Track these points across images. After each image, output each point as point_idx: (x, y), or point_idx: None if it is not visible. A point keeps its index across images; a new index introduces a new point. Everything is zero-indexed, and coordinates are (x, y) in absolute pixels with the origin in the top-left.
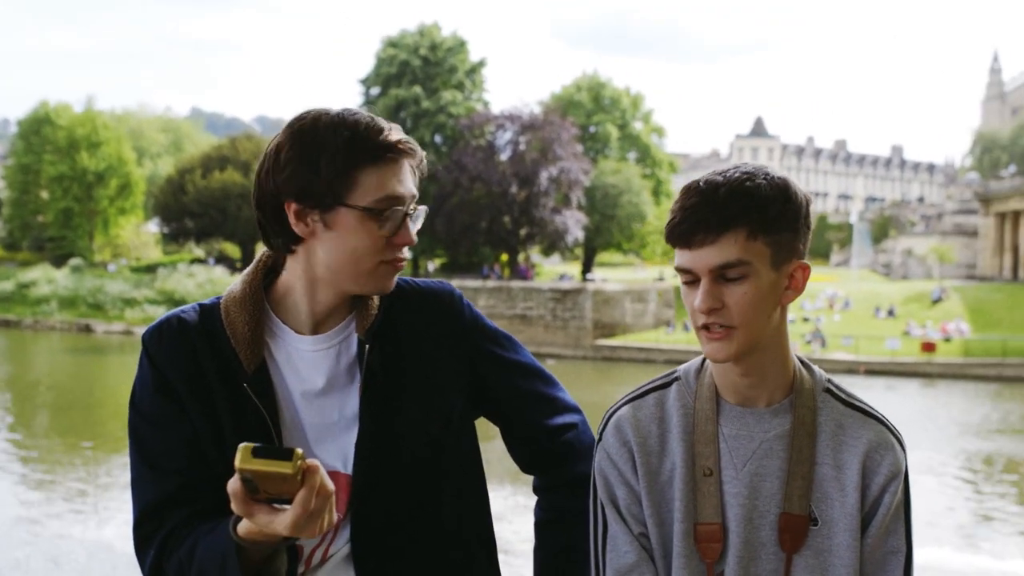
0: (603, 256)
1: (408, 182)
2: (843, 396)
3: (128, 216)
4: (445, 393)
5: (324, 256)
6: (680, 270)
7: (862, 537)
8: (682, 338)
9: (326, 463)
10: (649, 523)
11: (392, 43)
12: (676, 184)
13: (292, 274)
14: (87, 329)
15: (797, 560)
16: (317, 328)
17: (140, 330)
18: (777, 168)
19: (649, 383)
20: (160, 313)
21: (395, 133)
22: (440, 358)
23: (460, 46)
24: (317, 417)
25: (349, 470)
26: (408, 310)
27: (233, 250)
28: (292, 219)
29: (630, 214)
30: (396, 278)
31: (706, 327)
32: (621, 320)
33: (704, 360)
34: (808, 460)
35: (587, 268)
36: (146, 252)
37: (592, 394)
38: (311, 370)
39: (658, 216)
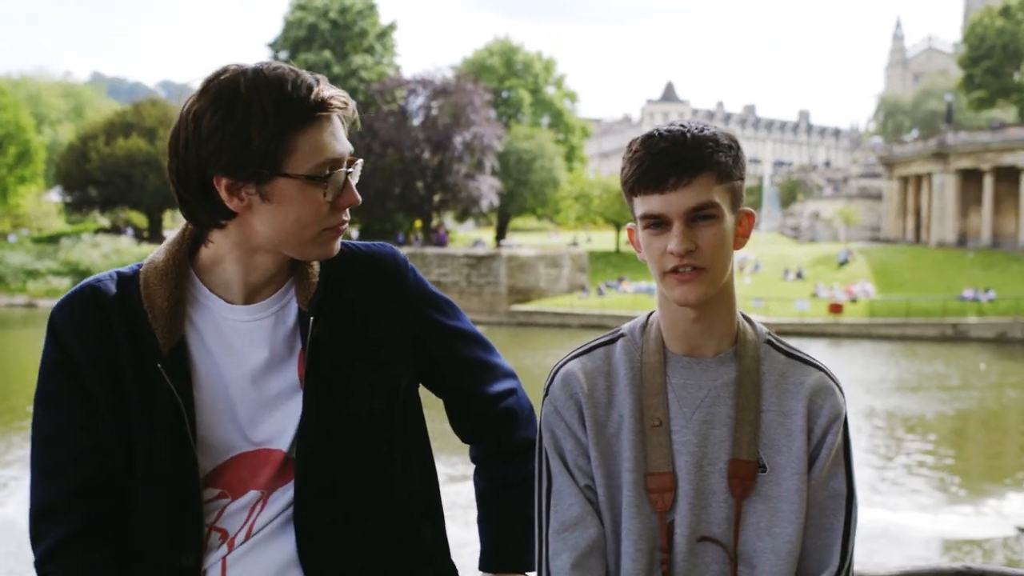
0: (517, 222)
1: (344, 138)
2: (783, 347)
3: (28, 185)
4: (391, 364)
5: (262, 228)
6: (648, 216)
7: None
8: (596, 303)
9: (254, 440)
10: (596, 475)
11: (300, 5)
12: (589, 149)
13: (222, 246)
14: None
15: (747, 506)
16: (251, 297)
17: (43, 303)
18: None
19: (595, 340)
20: (65, 285)
21: (325, 87)
22: (386, 328)
23: (370, 9)
24: (252, 393)
25: (281, 446)
26: (351, 277)
27: (140, 219)
28: (224, 194)
29: (543, 179)
30: (339, 243)
31: (675, 270)
32: (536, 285)
33: (650, 315)
34: (754, 407)
35: (501, 234)
36: (48, 222)
37: (509, 360)
38: (245, 342)
39: (571, 181)
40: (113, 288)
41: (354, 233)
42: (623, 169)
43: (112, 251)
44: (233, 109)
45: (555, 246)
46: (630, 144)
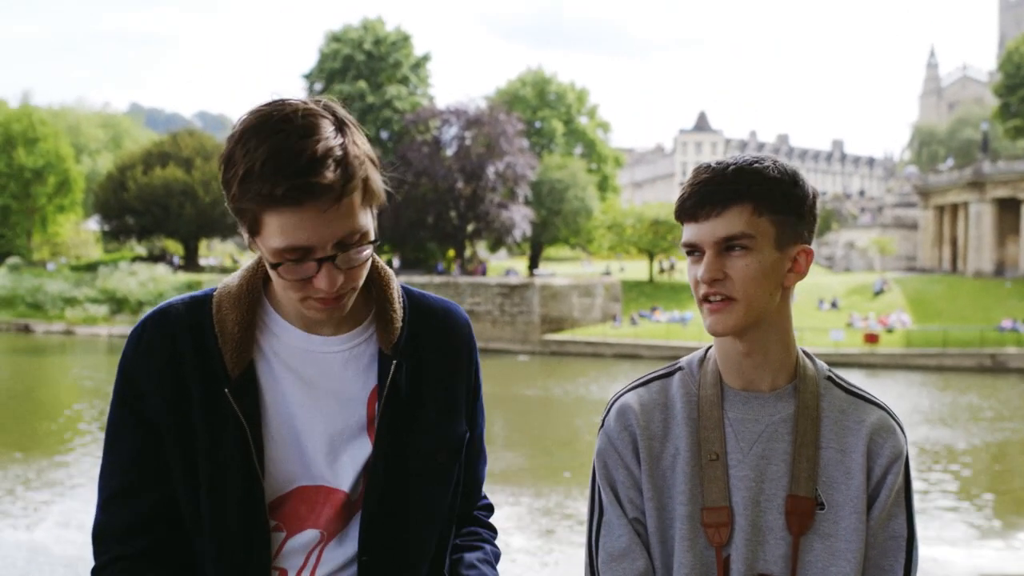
0: (550, 251)
1: (323, 226)
2: (844, 384)
3: (67, 214)
4: (457, 420)
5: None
6: (686, 245)
7: (866, 520)
8: (629, 332)
9: (316, 475)
10: (648, 507)
11: (335, 37)
12: (622, 178)
13: None
14: (26, 329)
15: (803, 543)
16: (313, 327)
17: (81, 330)
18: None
19: (653, 372)
20: (102, 313)
21: (315, 170)
22: (455, 384)
23: (404, 40)
24: (319, 426)
25: (342, 486)
26: (428, 327)
27: (176, 247)
28: (245, 235)
29: (576, 209)
30: (331, 314)
31: (707, 298)
32: (568, 315)
33: (708, 350)
34: (813, 443)
35: (534, 263)
36: (86, 250)
37: (541, 389)
38: (315, 373)
39: (604, 211)
40: (184, 312)
41: (395, 262)
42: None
43: (149, 279)
44: (228, 163)
45: (588, 275)
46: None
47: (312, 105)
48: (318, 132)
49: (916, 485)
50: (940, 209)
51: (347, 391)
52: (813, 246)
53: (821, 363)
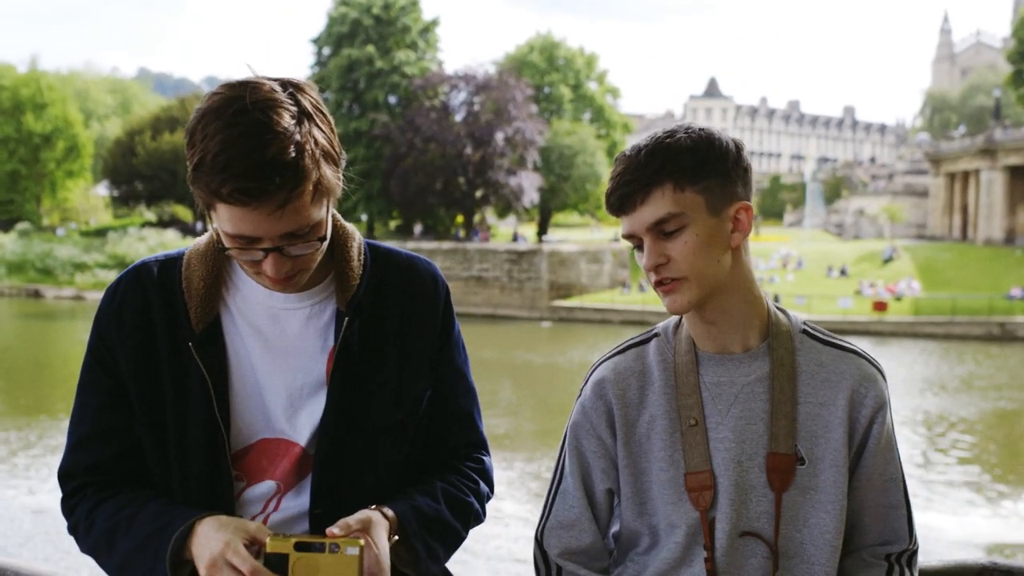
0: (558, 217)
1: (268, 222)
2: (821, 335)
3: (76, 179)
4: (416, 376)
5: None
6: (626, 237)
7: (857, 469)
8: (637, 299)
9: (276, 428)
10: (623, 474)
11: (344, 1)
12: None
13: None
14: (36, 294)
15: (786, 499)
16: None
17: (91, 295)
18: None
19: (629, 340)
20: (111, 278)
21: (261, 171)
22: (415, 340)
23: (412, 4)
24: (278, 380)
25: (300, 440)
26: (390, 283)
27: (185, 213)
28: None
29: (585, 175)
30: (283, 287)
31: (660, 283)
32: (577, 281)
33: (681, 317)
34: (790, 400)
35: (543, 229)
36: (96, 216)
37: (550, 356)
38: (277, 330)
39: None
40: (157, 269)
41: (417, 229)
42: None
43: (158, 244)
44: (188, 143)
45: (596, 242)
46: None
47: (276, 92)
48: (272, 129)
49: (922, 455)
50: (951, 176)
51: (306, 348)
52: (823, 213)
53: (795, 315)
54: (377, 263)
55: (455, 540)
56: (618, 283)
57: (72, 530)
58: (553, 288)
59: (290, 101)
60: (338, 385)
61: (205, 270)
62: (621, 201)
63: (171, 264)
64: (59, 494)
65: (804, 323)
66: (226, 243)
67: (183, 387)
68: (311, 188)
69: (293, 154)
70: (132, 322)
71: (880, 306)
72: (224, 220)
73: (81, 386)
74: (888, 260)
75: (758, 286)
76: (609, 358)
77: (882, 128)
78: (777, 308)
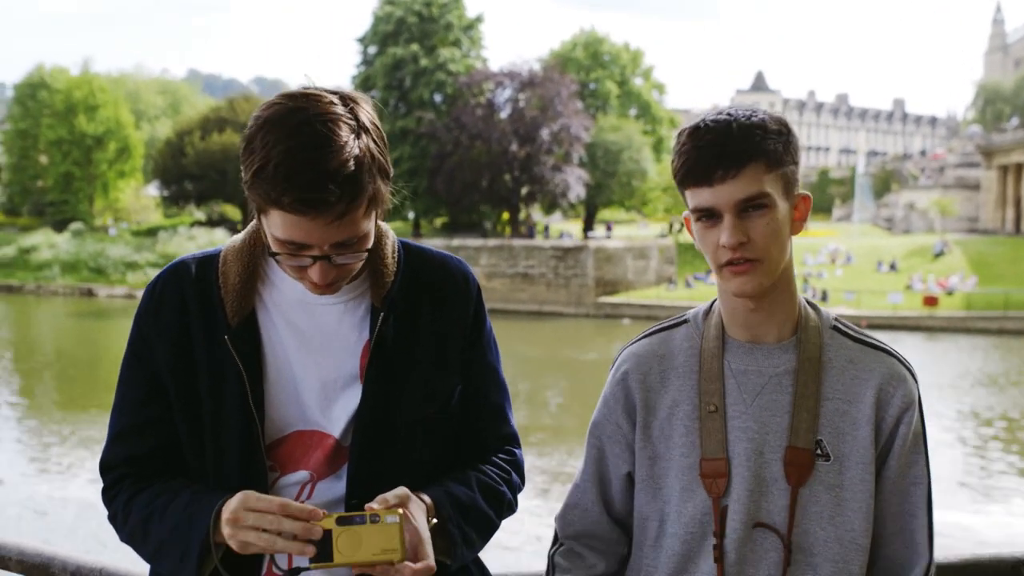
0: (604, 213)
1: (323, 232)
2: (852, 332)
3: (127, 179)
4: (449, 372)
5: None
6: (698, 210)
7: (881, 470)
8: (684, 294)
9: (310, 420)
10: (640, 457)
11: (389, 0)
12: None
13: None
14: (89, 293)
15: (806, 494)
16: None
17: (142, 294)
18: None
19: (659, 324)
20: None
21: (320, 184)
22: (448, 337)
23: (456, 2)
24: (313, 373)
25: (334, 432)
26: (423, 281)
27: (234, 212)
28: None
29: (631, 171)
30: (331, 291)
31: (730, 263)
32: (623, 277)
33: (713, 303)
34: (814, 395)
35: (589, 226)
36: (146, 216)
37: (595, 351)
38: (312, 324)
39: (660, 172)
40: (195, 267)
41: (446, 243)
42: (672, 161)
43: (207, 243)
44: (244, 149)
45: (643, 238)
46: (678, 135)
47: (336, 106)
48: (334, 143)
49: (971, 453)
50: (1004, 169)
51: (341, 342)
52: (872, 207)
53: (826, 311)
54: (410, 261)
55: (489, 528)
56: (664, 279)
57: (111, 519)
58: (599, 284)
59: (349, 115)
60: (373, 379)
61: (241, 266)
62: (709, 172)
63: (208, 261)
64: (100, 485)
65: (835, 319)
66: (274, 247)
67: (219, 380)
68: (366, 201)
69: (353, 167)
70: (170, 317)
71: (931, 301)
72: (277, 226)
73: (121, 381)
74: (939, 254)
75: (795, 280)
76: (636, 342)
77: (933, 120)
78: (808, 303)
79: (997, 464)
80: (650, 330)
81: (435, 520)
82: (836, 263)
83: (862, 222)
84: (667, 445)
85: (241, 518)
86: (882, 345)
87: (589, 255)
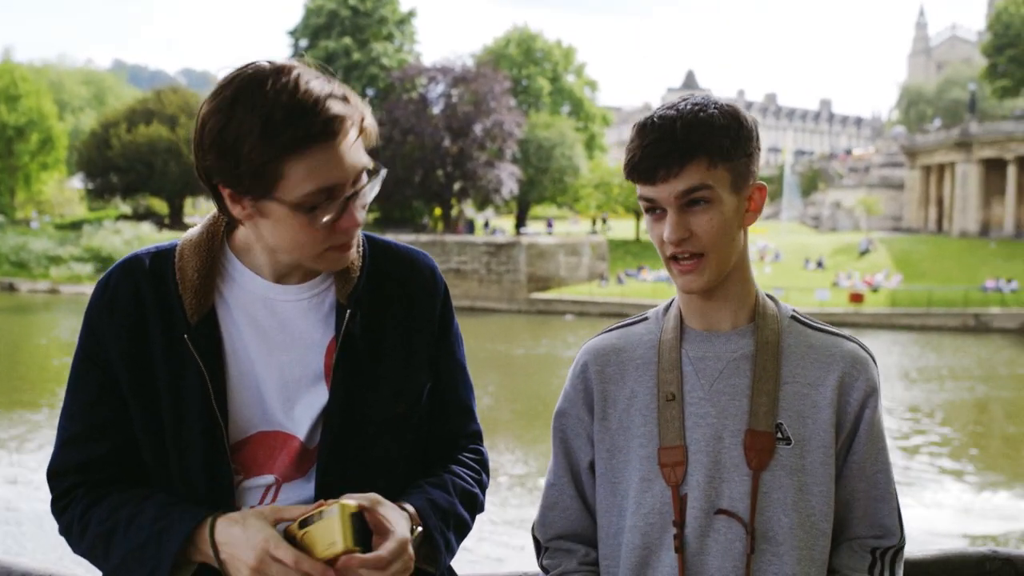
0: (536, 210)
1: (347, 160)
2: (810, 322)
3: (50, 171)
4: (417, 369)
5: (269, 237)
6: (643, 199)
7: (847, 455)
8: (616, 291)
9: (274, 421)
10: (599, 450)
11: None
12: (609, 137)
13: (250, 235)
14: (10, 288)
15: (767, 478)
16: (283, 278)
17: (66, 288)
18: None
19: (620, 322)
20: (87, 272)
21: (329, 108)
22: (416, 334)
23: None
24: (276, 373)
25: (299, 433)
26: (390, 277)
27: (161, 206)
28: (228, 202)
29: (563, 167)
30: (349, 256)
31: (675, 258)
32: (555, 273)
33: (672, 300)
34: (773, 378)
35: (521, 222)
36: (70, 209)
37: (529, 348)
38: (274, 321)
39: (592, 169)
40: (148, 262)
41: (389, 237)
42: (625, 155)
43: (134, 238)
44: (228, 124)
45: (575, 234)
46: (632, 129)
47: (289, 60)
48: (315, 78)
49: (905, 444)
50: (927, 169)
51: (305, 339)
52: (799, 206)
53: (785, 305)
54: (375, 255)
55: (465, 532)
56: (596, 275)
57: (65, 532)
58: (531, 280)
59: (304, 63)
60: (341, 378)
61: (199, 260)
62: (651, 171)
63: (163, 256)
64: (18, 489)
65: (794, 311)
66: (309, 204)
67: (178, 379)
68: (363, 119)
69: (341, 91)
70: (124, 314)
71: (857, 298)
72: (302, 179)
73: (71, 382)
74: (864, 252)
75: (751, 268)
76: (594, 338)
77: (858, 121)
78: (768, 296)
79: (919, 460)
80: (611, 327)
81: (420, 529)
82: (765, 260)
83: (790, 220)
84: (625, 436)
85: (267, 564)
86: (841, 332)
87: (522, 251)
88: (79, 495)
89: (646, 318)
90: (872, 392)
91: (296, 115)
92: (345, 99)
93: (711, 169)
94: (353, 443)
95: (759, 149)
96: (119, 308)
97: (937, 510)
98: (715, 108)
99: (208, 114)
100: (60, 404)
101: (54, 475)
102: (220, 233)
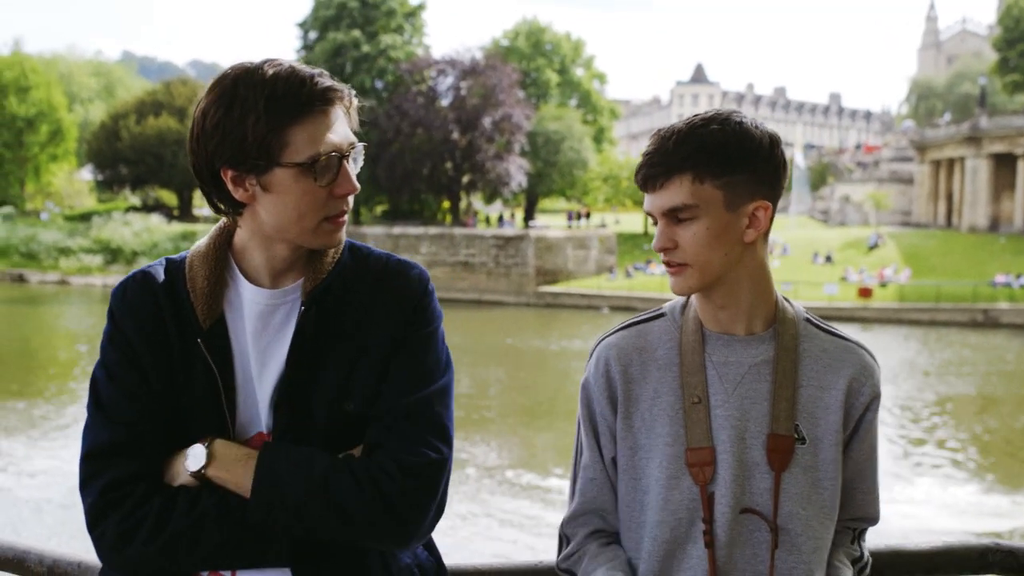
0: (545, 203)
1: (341, 129)
2: (823, 326)
3: (60, 163)
4: (371, 374)
5: (267, 218)
6: (646, 213)
7: (848, 452)
8: (623, 284)
9: (264, 422)
10: (621, 447)
11: None
12: (618, 131)
13: (246, 232)
14: (20, 279)
15: (787, 478)
16: (276, 283)
17: (75, 280)
18: (746, 113)
19: (636, 317)
20: (96, 263)
21: (323, 81)
22: (378, 338)
23: None
24: (265, 374)
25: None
26: (360, 280)
27: (170, 198)
28: (230, 185)
29: (572, 160)
30: (342, 234)
31: (667, 263)
32: (563, 267)
33: (689, 299)
34: (792, 383)
35: (529, 215)
36: (80, 200)
37: (536, 341)
38: (261, 325)
39: (600, 162)
40: (162, 273)
41: (393, 230)
42: None
43: (143, 229)
44: (232, 106)
45: (583, 227)
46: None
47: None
48: (301, 65)
49: (909, 438)
50: (936, 164)
51: (282, 341)
52: (808, 200)
53: (799, 306)
54: (357, 260)
55: (298, 507)
56: (604, 269)
57: (129, 530)
58: (539, 273)
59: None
60: (290, 374)
61: (208, 270)
62: (644, 180)
63: (175, 267)
64: (17, 479)
65: (807, 313)
66: (310, 162)
67: (192, 381)
68: (351, 98)
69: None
70: (144, 318)
71: (865, 292)
72: (305, 144)
73: (107, 375)
74: (873, 247)
75: (770, 277)
76: (615, 332)
77: (868, 115)
78: (784, 299)
79: (921, 452)
80: (629, 321)
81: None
82: (773, 254)
83: (799, 214)
84: (649, 435)
85: None
86: (851, 339)
87: (530, 244)
88: (140, 490)
89: (662, 314)
90: (875, 397)
91: (296, 86)
92: (332, 79)
93: (696, 185)
94: (301, 438)
95: (775, 165)
96: (140, 311)
97: (942, 506)
98: (719, 124)
99: (209, 103)
100: (64, 396)
101: (95, 457)
102: (224, 243)
